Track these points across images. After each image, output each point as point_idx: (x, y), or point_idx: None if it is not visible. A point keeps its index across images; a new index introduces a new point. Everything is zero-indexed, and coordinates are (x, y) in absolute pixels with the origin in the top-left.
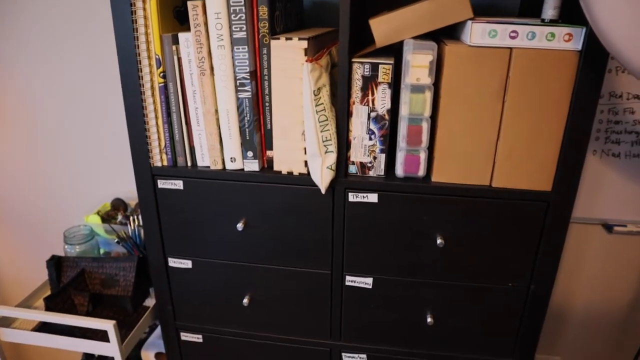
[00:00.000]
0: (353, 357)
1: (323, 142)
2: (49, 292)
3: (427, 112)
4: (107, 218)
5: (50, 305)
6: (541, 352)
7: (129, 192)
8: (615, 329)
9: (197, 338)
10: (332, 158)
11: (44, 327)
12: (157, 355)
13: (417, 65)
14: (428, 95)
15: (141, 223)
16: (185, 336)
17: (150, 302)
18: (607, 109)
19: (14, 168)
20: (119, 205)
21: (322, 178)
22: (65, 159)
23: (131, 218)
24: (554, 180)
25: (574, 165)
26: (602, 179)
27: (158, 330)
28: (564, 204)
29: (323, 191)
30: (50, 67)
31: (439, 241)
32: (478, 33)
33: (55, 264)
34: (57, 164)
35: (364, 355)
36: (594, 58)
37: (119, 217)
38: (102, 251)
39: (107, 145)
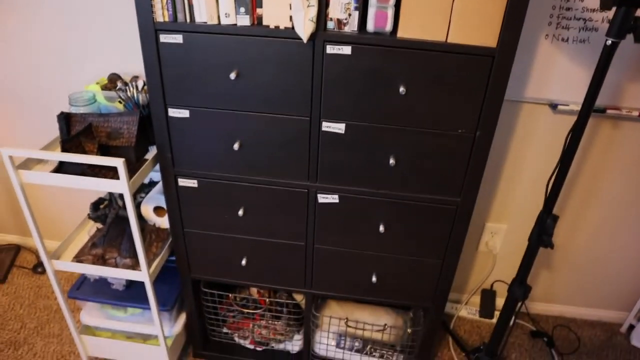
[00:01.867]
0: (327, 197)
1: None
2: None
3: None
4: (105, 89)
5: (66, 147)
6: (491, 220)
7: (123, 68)
8: None
9: (192, 183)
10: (313, 11)
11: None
12: (156, 209)
13: None
14: None
15: (139, 89)
16: (183, 181)
17: (150, 155)
18: None
19: (11, 49)
20: (115, 78)
21: (305, 29)
22: (60, 39)
23: (130, 85)
24: (499, 37)
25: (515, 25)
26: (551, 62)
27: (156, 187)
28: (506, 58)
29: (305, 40)
30: None
31: (401, 89)
32: None
33: (65, 118)
34: (53, 45)
35: (336, 195)
36: None
37: (119, 85)
38: None
39: (100, 23)
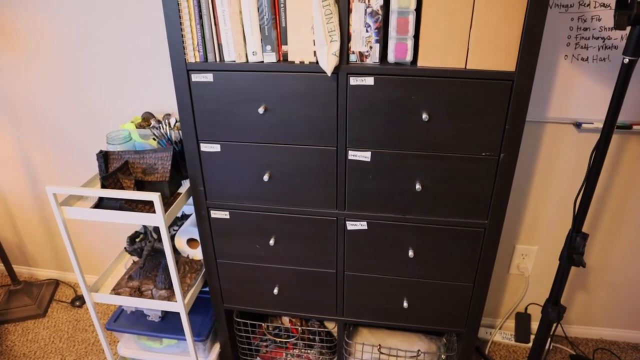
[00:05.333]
0: (355, 224)
1: (329, 32)
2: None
3: (413, 6)
4: (139, 127)
5: (105, 184)
6: (521, 242)
7: (156, 107)
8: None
9: (224, 215)
10: (336, 46)
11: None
12: (189, 241)
13: None
14: None
15: (172, 126)
16: (215, 213)
17: (183, 189)
18: (577, 17)
19: (53, 93)
20: (148, 117)
21: (328, 63)
22: (97, 82)
23: (163, 122)
24: (517, 61)
25: (532, 48)
26: (572, 81)
27: (188, 220)
28: (525, 82)
29: (329, 74)
30: None
31: (424, 116)
32: None
33: (104, 156)
34: (91, 86)
35: (364, 222)
36: None
37: (152, 123)
38: None
39: (133, 66)
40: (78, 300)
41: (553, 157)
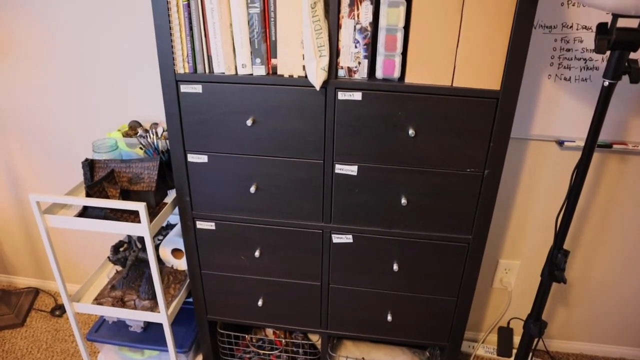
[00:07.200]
0: (341, 237)
1: (318, 47)
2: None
3: (401, 23)
4: (126, 136)
5: (91, 192)
6: (504, 257)
7: (143, 115)
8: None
9: (210, 225)
10: (325, 61)
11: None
12: (173, 251)
13: None
14: (402, 9)
15: (159, 136)
16: (200, 224)
17: (169, 199)
18: (560, 38)
19: (38, 99)
20: (135, 125)
21: (317, 77)
22: (83, 88)
23: (150, 132)
24: (502, 80)
25: (517, 68)
26: (555, 100)
27: (173, 230)
28: (510, 101)
29: (317, 88)
30: None
31: (410, 132)
32: None
33: (89, 164)
34: (77, 93)
35: (350, 235)
36: None
37: (139, 132)
38: None
39: (122, 73)
40: (58, 310)
41: (536, 173)
